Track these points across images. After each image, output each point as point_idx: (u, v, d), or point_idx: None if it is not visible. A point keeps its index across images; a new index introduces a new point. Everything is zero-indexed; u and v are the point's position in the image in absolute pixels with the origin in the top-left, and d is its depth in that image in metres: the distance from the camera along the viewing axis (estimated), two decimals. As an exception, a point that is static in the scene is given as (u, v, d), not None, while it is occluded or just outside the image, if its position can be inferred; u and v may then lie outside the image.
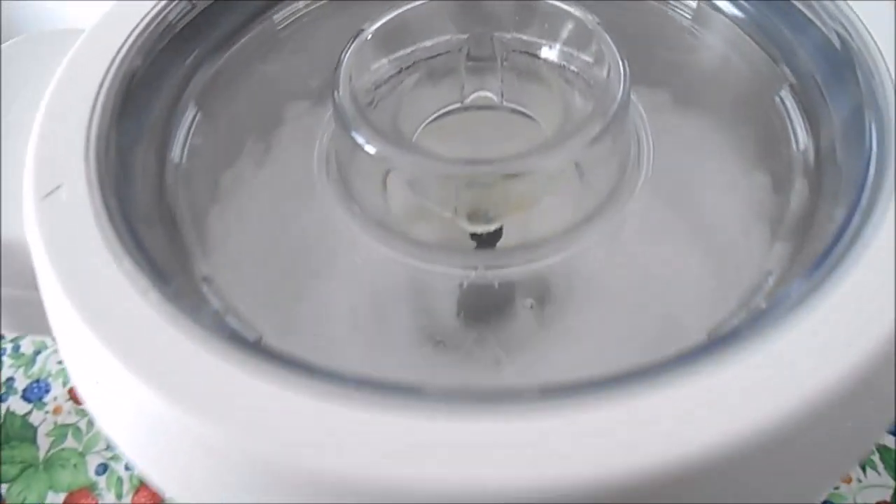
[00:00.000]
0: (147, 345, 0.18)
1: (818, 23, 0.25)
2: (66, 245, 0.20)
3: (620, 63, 0.24)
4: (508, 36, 0.28)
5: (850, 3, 0.25)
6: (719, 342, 0.18)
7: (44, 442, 0.55)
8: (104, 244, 0.20)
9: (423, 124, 0.29)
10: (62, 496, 0.53)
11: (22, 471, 0.54)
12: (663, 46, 0.30)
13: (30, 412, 0.56)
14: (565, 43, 0.27)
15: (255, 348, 0.18)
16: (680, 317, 0.22)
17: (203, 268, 0.24)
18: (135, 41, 0.25)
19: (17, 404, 0.57)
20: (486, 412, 0.16)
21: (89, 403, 0.21)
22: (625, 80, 0.24)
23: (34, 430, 0.55)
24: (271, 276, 0.24)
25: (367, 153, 0.23)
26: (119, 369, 0.18)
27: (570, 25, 0.26)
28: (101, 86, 0.23)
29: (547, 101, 0.28)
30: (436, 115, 0.29)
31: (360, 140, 0.24)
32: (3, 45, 0.29)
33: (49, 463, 0.53)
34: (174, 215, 0.24)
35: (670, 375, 0.17)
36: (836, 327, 0.17)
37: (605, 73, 0.25)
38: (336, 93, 0.25)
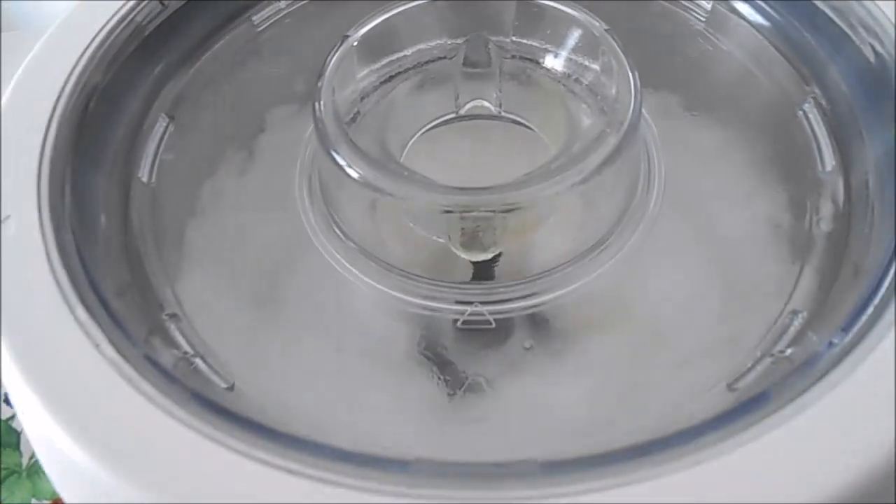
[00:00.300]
0: (97, 411, 0.16)
1: (849, 31, 0.23)
2: (12, 288, 0.18)
3: (631, 76, 0.22)
4: (507, 41, 0.26)
5: (885, 8, 0.22)
6: (744, 408, 0.16)
7: (27, 447, 0.53)
8: (55, 289, 0.18)
9: (415, 136, 0.26)
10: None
11: (6, 477, 0.52)
12: (674, 52, 0.27)
13: (13, 416, 0.54)
14: (569, 50, 0.24)
15: (217, 411, 0.16)
16: (697, 363, 0.20)
17: (171, 304, 0.22)
18: (96, 51, 0.23)
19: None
20: (480, 492, 0.14)
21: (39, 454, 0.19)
22: (636, 96, 0.21)
23: (17, 434, 0.53)
24: (247, 311, 0.22)
25: (349, 176, 0.21)
26: (65, 440, 0.16)
27: (575, 32, 0.24)
28: (55, 105, 0.21)
29: (548, 111, 0.26)
30: (428, 126, 0.27)
31: (341, 162, 0.21)
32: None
33: (33, 469, 0.52)
34: (139, 246, 0.22)
35: (687, 450, 0.15)
36: (878, 395, 0.15)
37: (613, 85, 0.22)
38: (317, 107, 0.23)
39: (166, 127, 0.26)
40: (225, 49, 0.28)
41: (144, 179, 0.24)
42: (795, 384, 0.16)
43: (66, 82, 0.21)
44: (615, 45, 0.22)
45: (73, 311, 0.18)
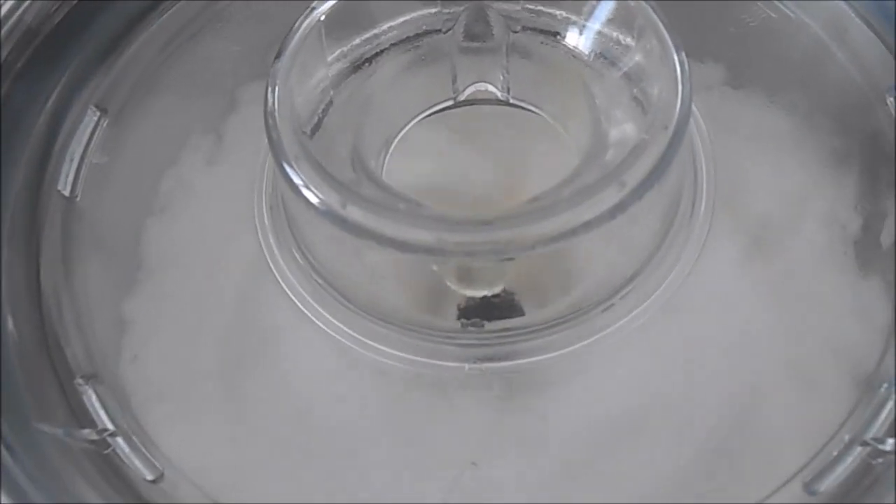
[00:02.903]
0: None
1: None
2: None
3: (677, 63, 0.17)
4: (518, 7, 0.20)
5: None
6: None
7: None
8: None
9: (403, 131, 0.21)
10: None
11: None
12: (727, 18, 0.22)
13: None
14: (600, 22, 0.19)
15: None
16: (760, 449, 0.15)
17: (89, 362, 0.17)
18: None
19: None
20: None
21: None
22: (683, 91, 0.16)
23: None
24: (187, 368, 0.18)
25: (308, 202, 0.16)
26: None
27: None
28: None
29: (568, 99, 0.21)
30: (419, 117, 0.21)
31: (298, 181, 0.16)
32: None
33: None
34: (49, 285, 0.18)
35: None
36: None
37: (654, 74, 0.17)
38: (269, 103, 0.17)
39: (97, 122, 0.21)
40: (169, 24, 0.23)
41: (66, 192, 0.20)
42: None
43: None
44: (656, 19, 0.17)
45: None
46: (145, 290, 0.19)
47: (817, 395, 0.16)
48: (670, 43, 0.17)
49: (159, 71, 0.23)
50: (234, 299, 0.19)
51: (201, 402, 0.17)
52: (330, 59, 0.20)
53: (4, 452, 0.13)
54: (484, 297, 0.18)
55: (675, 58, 0.17)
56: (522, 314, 0.18)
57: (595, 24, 0.19)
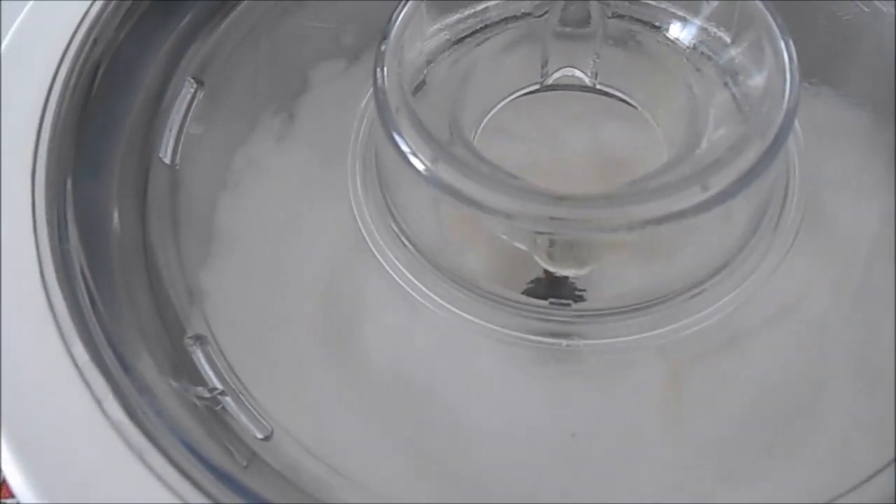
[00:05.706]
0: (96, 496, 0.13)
1: None
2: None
3: (787, 61, 0.17)
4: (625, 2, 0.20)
5: None
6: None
7: None
8: (51, 321, 0.14)
9: (492, 111, 0.22)
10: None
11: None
12: (819, 15, 0.22)
13: None
14: (699, 15, 0.19)
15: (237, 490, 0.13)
16: (851, 434, 0.16)
17: (197, 323, 0.18)
18: (103, 7, 0.18)
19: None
20: None
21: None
22: (792, 91, 0.16)
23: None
24: (290, 333, 0.18)
25: (414, 168, 0.17)
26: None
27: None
28: (52, 81, 0.17)
29: (659, 88, 0.21)
30: (507, 98, 0.22)
31: (405, 149, 0.17)
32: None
33: None
34: (158, 248, 0.18)
35: None
36: None
37: (759, 70, 0.17)
38: (380, 78, 0.18)
39: (194, 95, 0.22)
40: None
41: (167, 160, 0.20)
42: None
43: (65, 50, 0.17)
44: (767, 14, 0.17)
45: (71, 355, 0.14)
46: (234, 262, 0.19)
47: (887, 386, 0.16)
48: (780, 39, 0.17)
49: (249, 46, 0.23)
50: (328, 268, 0.19)
51: (301, 368, 0.18)
52: (428, 33, 0.20)
53: (140, 400, 0.14)
54: (571, 278, 0.19)
55: (785, 57, 0.17)
56: (607, 297, 0.18)
57: (698, 19, 0.19)
